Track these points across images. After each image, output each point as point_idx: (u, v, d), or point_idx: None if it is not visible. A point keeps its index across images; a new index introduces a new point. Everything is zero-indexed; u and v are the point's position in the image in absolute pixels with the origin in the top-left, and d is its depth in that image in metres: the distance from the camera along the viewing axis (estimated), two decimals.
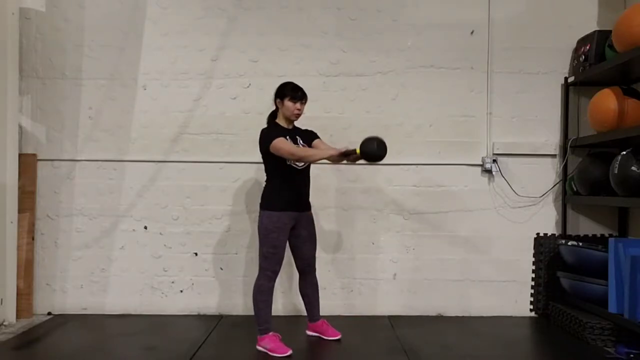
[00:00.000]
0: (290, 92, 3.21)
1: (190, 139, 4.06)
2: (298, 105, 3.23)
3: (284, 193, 3.19)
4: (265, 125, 3.32)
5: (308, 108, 4.04)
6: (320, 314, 3.48)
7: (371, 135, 3.05)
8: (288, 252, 3.31)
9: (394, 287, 4.06)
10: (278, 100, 3.26)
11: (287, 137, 3.19)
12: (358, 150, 3.01)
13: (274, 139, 3.12)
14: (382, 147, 3.00)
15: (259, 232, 3.20)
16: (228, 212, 4.06)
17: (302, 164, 3.23)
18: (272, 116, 3.35)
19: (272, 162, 3.19)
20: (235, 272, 4.06)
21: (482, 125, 4.09)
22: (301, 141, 3.28)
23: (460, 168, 4.08)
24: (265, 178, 3.30)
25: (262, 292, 3.16)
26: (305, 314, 3.49)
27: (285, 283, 4.01)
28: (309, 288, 3.42)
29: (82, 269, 4.04)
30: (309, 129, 3.42)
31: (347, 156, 3.08)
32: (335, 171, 4.06)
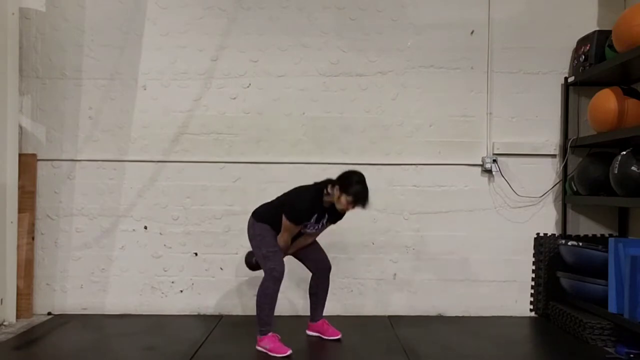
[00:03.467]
0: (354, 197, 3.03)
1: (190, 139, 4.06)
2: (352, 207, 3.08)
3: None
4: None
5: (308, 108, 4.07)
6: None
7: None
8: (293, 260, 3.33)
9: (394, 287, 4.06)
10: (337, 188, 3.06)
11: (316, 215, 3.14)
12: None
13: (293, 220, 3.08)
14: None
15: (252, 240, 3.21)
16: (228, 212, 4.05)
17: (312, 232, 3.27)
18: (323, 185, 3.15)
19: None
20: (235, 272, 4.06)
21: (482, 125, 4.09)
22: (324, 221, 3.23)
23: (460, 168, 4.08)
24: (278, 197, 3.28)
25: (267, 294, 3.13)
26: (306, 313, 3.49)
27: (285, 283, 3.99)
28: (321, 289, 3.42)
29: (82, 269, 4.04)
30: (344, 213, 3.24)
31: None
32: (335, 171, 4.04)
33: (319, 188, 3.15)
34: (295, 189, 3.23)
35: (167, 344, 3.29)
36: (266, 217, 3.20)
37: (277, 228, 3.18)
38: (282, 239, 3.19)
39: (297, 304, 4.01)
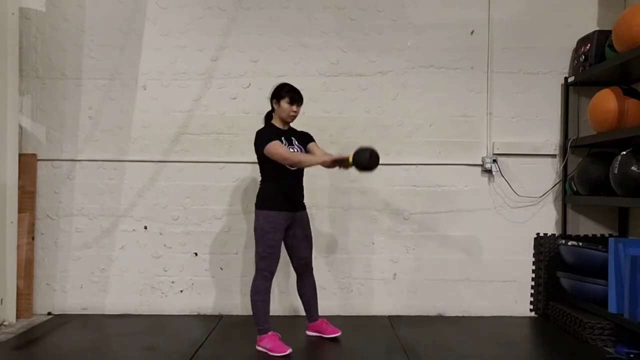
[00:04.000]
0: (286, 94, 3.21)
1: (190, 139, 4.07)
2: (294, 107, 3.23)
3: (279, 193, 3.20)
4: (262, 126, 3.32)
5: (308, 108, 4.06)
6: (320, 314, 3.49)
7: (365, 146, 3.04)
8: (284, 252, 3.31)
9: (394, 287, 4.06)
10: (274, 100, 3.26)
11: (283, 138, 3.20)
12: (351, 159, 3.00)
13: (268, 141, 3.12)
14: (374, 159, 3.00)
15: (255, 232, 3.20)
16: (228, 212, 4.06)
17: (294, 167, 3.23)
18: (268, 117, 3.36)
19: (266, 163, 3.19)
20: (235, 272, 4.06)
21: (482, 125, 4.09)
22: (297, 143, 3.28)
23: (460, 168, 4.08)
24: (259, 178, 3.29)
25: (259, 292, 3.15)
26: (304, 314, 3.49)
27: (283, 283, 4.01)
28: (306, 288, 3.42)
29: (82, 269, 4.04)
30: (305, 130, 3.42)
31: (340, 163, 3.08)
32: (335, 171, 4.04)
33: (267, 118, 3.35)
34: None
35: (167, 344, 3.29)
36: (264, 198, 3.20)
37: (275, 205, 3.16)
38: (282, 156, 3.09)
39: (297, 304, 4.01)
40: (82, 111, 4.07)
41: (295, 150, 3.25)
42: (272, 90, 3.28)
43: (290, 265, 3.45)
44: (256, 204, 3.24)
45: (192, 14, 4.07)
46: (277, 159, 3.11)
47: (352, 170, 3.08)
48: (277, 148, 3.11)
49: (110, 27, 4.07)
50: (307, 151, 3.32)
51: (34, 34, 4.06)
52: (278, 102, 3.23)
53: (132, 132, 4.07)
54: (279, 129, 3.27)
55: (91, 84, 4.07)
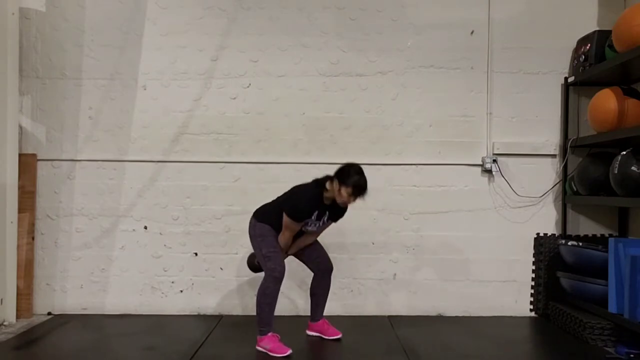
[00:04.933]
0: (353, 188, 3.03)
1: (190, 139, 4.06)
2: (352, 200, 3.08)
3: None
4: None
5: (308, 108, 4.07)
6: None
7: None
8: (294, 260, 3.33)
9: (394, 287, 4.06)
10: (336, 182, 3.06)
11: (316, 213, 3.14)
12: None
13: (294, 218, 3.08)
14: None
15: (253, 240, 3.21)
16: (228, 212, 4.05)
17: (313, 230, 3.26)
18: (322, 182, 3.16)
19: None
20: (235, 272, 4.06)
21: (482, 125, 4.09)
22: (325, 218, 3.23)
23: (460, 168, 4.08)
24: (279, 197, 3.28)
25: (267, 295, 3.12)
26: (307, 313, 3.50)
27: (285, 283, 3.99)
28: (321, 288, 3.42)
29: (82, 269, 4.04)
30: (345, 207, 3.25)
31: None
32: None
33: (319, 184, 3.16)
34: (296, 186, 3.23)
35: (167, 344, 3.29)
36: (267, 216, 3.20)
37: (278, 228, 3.17)
38: (284, 237, 3.19)
39: (297, 304, 4.01)
40: (82, 111, 4.07)
41: (318, 225, 3.23)
42: (342, 169, 3.09)
43: (292, 264, 3.45)
44: (258, 216, 3.24)
45: (192, 14, 4.07)
46: (282, 230, 3.15)
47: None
48: (287, 231, 3.14)
49: (110, 27, 4.07)
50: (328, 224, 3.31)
51: (34, 34, 4.06)
52: (340, 186, 3.05)
53: (132, 132, 4.07)
54: (322, 203, 3.15)
55: (91, 84, 4.07)
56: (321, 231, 3.35)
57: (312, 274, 3.43)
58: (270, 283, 3.12)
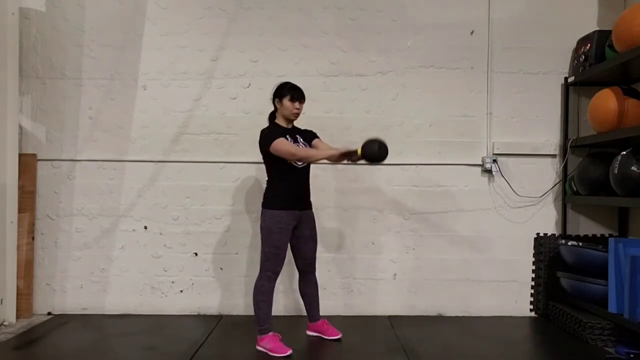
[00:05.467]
0: (288, 92, 3.22)
1: (190, 139, 4.07)
2: (297, 104, 3.23)
3: (286, 192, 3.19)
4: (265, 125, 3.32)
5: (308, 108, 4.04)
6: (320, 314, 3.48)
7: (373, 137, 3.04)
8: (289, 252, 3.31)
9: (394, 287, 4.06)
10: (276, 100, 3.26)
11: (287, 136, 3.20)
12: (359, 151, 3.00)
13: (274, 139, 3.11)
14: (383, 149, 3.00)
15: (261, 232, 3.20)
16: (228, 212, 4.06)
17: (302, 162, 3.22)
18: (272, 116, 3.36)
19: (273, 161, 3.19)
20: (235, 272, 4.06)
21: (482, 125, 4.09)
22: (301, 140, 3.29)
23: (460, 168, 4.08)
24: (266, 178, 3.29)
25: (262, 292, 3.16)
26: (305, 314, 3.49)
27: (285, 283, 4.01)
28: (309, 288, 3.42)
29: (82, 269, 4.04)
30: (309, 128, 3.42)
31: (348, 156, 3.08)
32: (335, 171, 4.06)
33: (271, 117, 3.35)
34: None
35: (167, 344, 3.29)
36: (272, 197, 3.20)
37: (279, 206, 3.15)
38: (288, 151, 3.09)
39: (297, 304, 4.01)
40: (82, 111, 4.07)
41: (301, 147, 3.25)
42: (274, 89, 3.29)
43: (293, 264, 3.45)
44: (263, 203, 3.24)
45: (192, 14, 4.07)
46: (284, 155, 3.10)
47: (362, 162, 3.08)
48: (284, 144, 3.11)
49: (110, 27, 4.07)
50: (312, 147, 3.32)
51: (34, 34, 4.06)
52: (280, 100, 3.24)
53: (132, 132, 4.07)
54: (283, 127, 3.27)
55: (91, 84, 4.07)
56: (323, 148, 3.28)
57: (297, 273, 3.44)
58: (265, 281, 3.16)
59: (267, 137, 3.16)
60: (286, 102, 3.22)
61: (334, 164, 3.83)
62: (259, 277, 3.18)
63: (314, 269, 3.41)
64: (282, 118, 3.28)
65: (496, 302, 4.05)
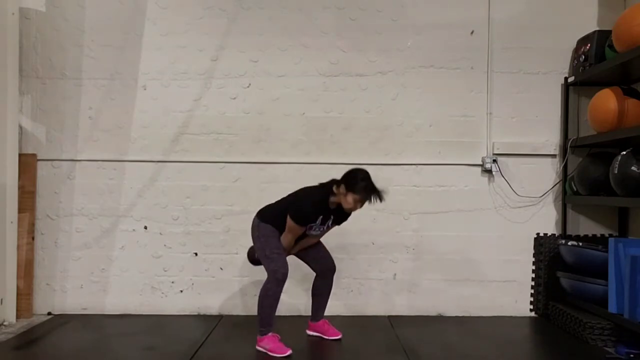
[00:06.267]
0: (360, 193, 2.99)
1: (190, 139, 4.06)
2: (359, 205, 3.05)
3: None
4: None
5: (308, 108, 4.07)
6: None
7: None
8: (295, 260, 3.33)
9: (394, 287, 4.06)
10: (344, 186, 3.02)
11: (321, 218, 3.12)
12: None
13: (298, 222, 3.06)
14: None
15: (256, 240, 3.20)
16: (228, 212, 4.05)
17: (317, 233, 3.24)
18: (328, 186, 3.12)
19: None
20: (235, 272, 4.06)
21: (482, 125, 4.09)
22: (330, 223, 3.22)
23: (460, 168, 4.08)
24: (285, 197, 3.25)
25: (269, 296, 3.11)
26: (307, 313, 3.50)
27: (286, 283, 4.00)
28: (324, 289, 3.42)
29: (82, 269, 4.04)
30: (350, 213, 3.23)
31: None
32: (335, 171, 4.04)
33: (326, 189, 3.12)
34: (302, 189, 3.21)
35: (167, 344, 3.29)
36: (271, 217, 3.19)
37: (281, 229, 3.16)
38: (286, 239, 3.17)
39: (297, 304, 4.01)
40: (82, 111, 4.07)
41: (322, 229, 3.21)
42: (349, 175, 3.05)
43: (294, 264, 3.44)
44: (262, 216, 3.22)
45: (192, 14, 4.07)
46: (285, 234, 3.13)
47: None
48: (291, 234, 3.12)
49: (110, 27, 4.07)
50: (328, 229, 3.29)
51: (34, 34, 4.06)
52: (346, 191, 3.01)
53: (132, 132, 4.07)
54: (327, 208, 3.12)
55: (91, 84, 4.07)
56: (323, 234, 3.35)
57: (314, 274, 3.42)
58: (273, 284, 3.11)
59: (298, 211, 3.05)
60: (351, 198, 3.00)
61: (336, 163, 3.83)
62: (268, 280, 3.13)
63: (334, 270, 3.40)
64: (336, 202, 3.10)
65: (496, 302, 4.05)
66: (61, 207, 4.05)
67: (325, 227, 3.23)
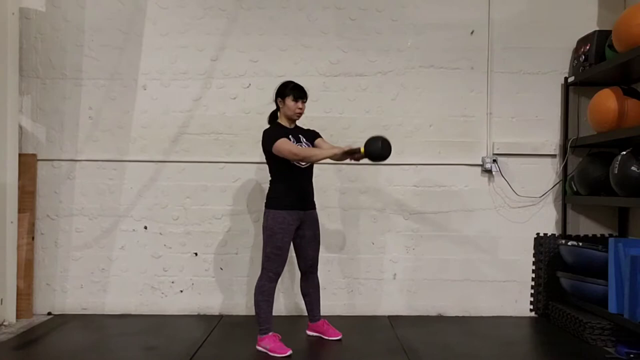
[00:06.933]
0: (291, 91, 3.21)
1: (190, 139, 4.06)
2: (300, 104, 3.23)
3: (289, 192, 3.19)
4: (267, 126, 3.32)
5: (308, 108, 4.04)
6: (321, 314, 3.48)
7: (376, 135, 3.04)
8: (291, 253, 3.31)
9: (394, 287, 4.06)
10: (279, 99, 3.25)
11: (290, 136, 3.20)
12: (362, 150, 3.00)
13: (277, 139, 3.11)
14: (386, 147, 2.99)
15: (263, 232, 3.20)
16: (228, 212, 4.06)
17: (306, 162, 3.22)
18: (273, 116, 3.35)
19: (276, 162, 3.18)
20: (235, 272, 4.06)
21: (482, 125, 4.09)
22: (304, 140, 3.28)
23: (460, 168, 4.08)
24: (269, 178, 3.28)
25: (263, 292, 3.15)
26: (306, 314, 3.50)
27: (286, 283, 4.01)
28: (310, 288, 3.42)
29: (82, 269, 4.04)
30: (311, 128, 3.42)
31: (351, 155, 3.08)
32: (336, 171, 4.06)
33: (273, 117, 3.34)
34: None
35: (167, 344, 3.29)
36: (275, 198, 3.19)
37: (284, 205, 3.15)
38: (291, 151, 3.08)
39: (297, 304, 4.01)
40: (82, 111, 4.07)
41: (304, 146, 3.24)
42: (276, 88, 3.29)
43: (294, 265, 3.45)
44: (266, 203, 3.23)
45: (192, 14, 4.07)
46: (286, 155, 3.10)
47: (365, 160, 3.07)
48: (286, 144, 3.10)
49: (110, 27, 4.07)
50: (314, 147, 3.31)
51: (34, 34, 4.06)
52: (283, 100, 3.23)
53: (132, 132, 4.07)
54: (286, 127, 3.27)
55: (91, 84, 4.07)
56: (325, 148, 3.25)
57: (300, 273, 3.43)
58: (265, 281, 3.16)
59: (269, 138, 3.16)
60: (289, 101, 3.21)
61: (336, 163, 3.82)
62: (260, 277, 3.18)
63: (316, 269, 3.41)
64: (285, 118, 3.28)
65: (496, 302, 4.05)
66: (61, 207, 4.05)
67: (304, 145, 3.25)
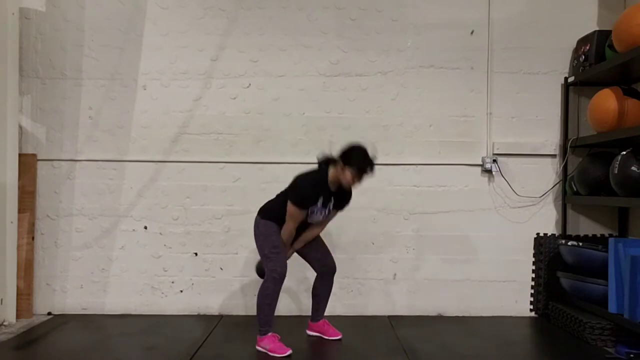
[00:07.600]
0: (359, 166, 2.98)
1: (190, 139, 4.06)
2: (358, 180, 3.03)
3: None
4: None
5: (308, 108, 4.07)
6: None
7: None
8: (295, 255, 3.32)
9: (394, 287, 4.06)
10: (340, 162, 3.02)
11: (321, 199, 3.08)
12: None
13: (299, 206, 3.03)
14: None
15: (257, 239, 3.20)
16: (228, 212, 4.05)
17: (319, 219, 3.21)
18: (326, 163, 3.12)
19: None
20: (235, 272, 4.06)
21: (482, 125, 4.09)
22: (331, 206, 3.17)
23: (460, 168, 4.08)
24: (279, 191, 3.25)
25: (268, 295, 3.11)
26: (307, 313, 3.50)
27: (286, 282, 3.99)
28: (324, 288, 3.41)
29: (82, 269, 4.04)
30: (351, 191, 3.22)
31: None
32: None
33: (322, 168, 3.12)
34: (299, 173, 3.16)
35: (167, 344, 3.29)
36: (271, 213, 3.19)
37: (282, 223, 3.15)
38: (287, 228, 3.13)
39: (297, 304, 4.01)
40: (82, 111, 4.07)
41: (324, 213, 3.16)
42: (346, 150, 3.05)
43: (295, 265, 3.44)
44: (260, 212, 3.23)
45: (192, 14, 4.07)
46: (286, 220, 3.09)
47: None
48: (292, 222, 3.08)
49: (110, 27, 4.07)
50: (332, 215, 3.25)
51: (34, 34, 4.06)
52: (345, 166, 3.00)
53: (132, 132, 4.07)
54: (327, 188, 3.09)
55: (91, 84, 4.07)
56: (326, 222, 3.31)
57: (315, 273, 3.42)
58: (271, 284, 3.11)
59: (297, 194, 3.04)
60: (349, 172, 2.98)
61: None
62: (265, 279, 3.14)
63: (333, 269, 3.38)
64: (334, 179, 3.08)
65: (496, 302, 4.05)
66: (61, 207, 4.05)
67: (327, 211, 3.17)
